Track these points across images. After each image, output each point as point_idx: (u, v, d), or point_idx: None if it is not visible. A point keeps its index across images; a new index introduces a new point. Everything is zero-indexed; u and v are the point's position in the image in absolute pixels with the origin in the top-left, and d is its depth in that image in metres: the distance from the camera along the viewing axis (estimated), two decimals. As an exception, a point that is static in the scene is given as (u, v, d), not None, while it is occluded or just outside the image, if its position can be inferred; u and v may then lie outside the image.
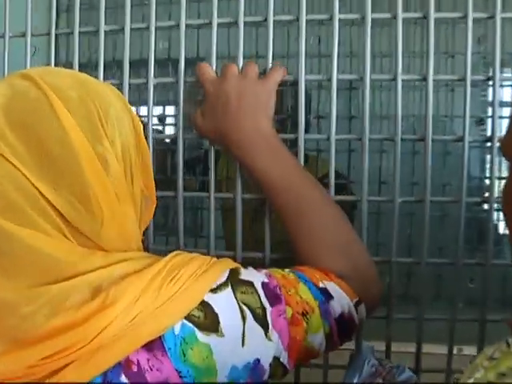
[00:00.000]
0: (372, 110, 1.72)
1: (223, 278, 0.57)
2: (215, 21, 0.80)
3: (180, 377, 0.51)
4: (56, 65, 0.87)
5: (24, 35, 0.86)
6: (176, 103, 0.83)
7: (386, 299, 0.82)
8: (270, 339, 0.57)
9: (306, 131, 1.50)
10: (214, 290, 0.55)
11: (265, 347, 0.57)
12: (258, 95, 0.73)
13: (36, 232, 0.53)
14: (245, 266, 0.62)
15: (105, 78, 0.83)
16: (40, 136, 0.54)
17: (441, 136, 0.82)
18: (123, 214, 0.58)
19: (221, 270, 0.58)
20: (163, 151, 1.76)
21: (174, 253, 0.59)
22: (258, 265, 0.64)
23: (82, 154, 0.54)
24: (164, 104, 1.87)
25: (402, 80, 0.78)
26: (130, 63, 0.84)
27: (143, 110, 1.87)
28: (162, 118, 1.86)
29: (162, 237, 1.73)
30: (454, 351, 0.87)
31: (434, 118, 1.56)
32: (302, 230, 0.70)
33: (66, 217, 0.54)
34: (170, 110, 1.93)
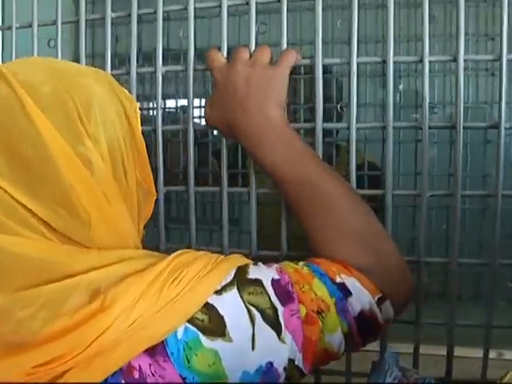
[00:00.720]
0: (407, 97, 1.65)
1: (229, 278, 0.53)
2: (225, 3, 0.75)
3: (185, 383, 0.48)
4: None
5: (31, 26, 0.82)
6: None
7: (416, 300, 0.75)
8: (283, 341, 0.53)
9: (338, 120, 1.45)
10: (218, 292, 0.51)
11: (278, 350, 0.53)
12: (268, 81, 0.67)
13: (19, 237, 0.50)
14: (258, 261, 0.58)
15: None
16: (12, 139, 0.50)
17: (474, 123, 0.74)
18: (114, 214, 0.55)
19: (227, 269, 0.54)
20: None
21: (179, 251, 0.55)
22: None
23: (58, 156, 0.51)
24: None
25: (431, 62, 0.71)
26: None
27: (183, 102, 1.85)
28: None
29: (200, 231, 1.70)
30: (494, 355, 0.80)
31: (474, 104, 1.48)
32: (316, 224, 0.65)
33: (51, 224, 0.51)
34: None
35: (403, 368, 0.64)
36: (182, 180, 1.60)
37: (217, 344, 0.49)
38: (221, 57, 0.72)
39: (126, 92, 0.61)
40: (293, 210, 0.68)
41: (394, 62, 0.71)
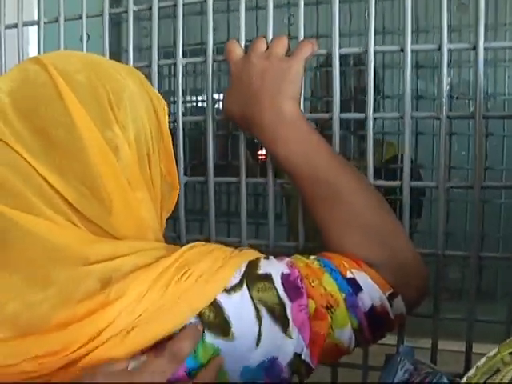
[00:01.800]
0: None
1: (239, 274, 0.53)
2: (243, -5, 0.75)
3: (188, 374, 0.49)
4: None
5: (57, 21, 0.85)
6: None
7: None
8: (289, 336, 0.53)
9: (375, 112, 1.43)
10: (227, 291, 0.52)
11: (283, 345, 0.53)
12: (282, 74, 0.67)
13: (41, 219, 0.51)
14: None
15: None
16: (45, 122, 0.53)
17: (493, 112, 0.72)
18: (136, 202, 0.56)
19: (238, 264, 0.54)
20: (225, 136, 1.75)
21: (191, 245, 0.56)
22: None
23: (88, 140, 0.53)
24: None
25: (450, 50, 0.70)
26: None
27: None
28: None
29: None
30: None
31: (510, 95, 1.44)
32: (328, 218, 0.64)
33: (74, 204, 0.53)
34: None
35: (417, 361, 0.63)
36: (221, 171, 1.61)
37: (219, 342, 0.50)
38: (238, 49, 0.72)
39: (156, 92, 0.63)
40: (306, 204, 0.68)
41: (412, 51, 0.70)
